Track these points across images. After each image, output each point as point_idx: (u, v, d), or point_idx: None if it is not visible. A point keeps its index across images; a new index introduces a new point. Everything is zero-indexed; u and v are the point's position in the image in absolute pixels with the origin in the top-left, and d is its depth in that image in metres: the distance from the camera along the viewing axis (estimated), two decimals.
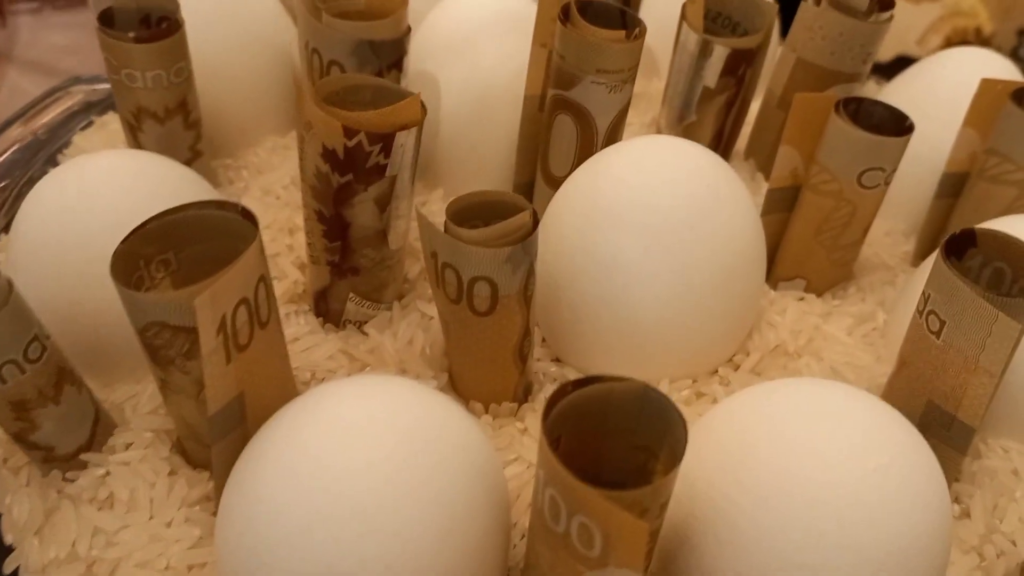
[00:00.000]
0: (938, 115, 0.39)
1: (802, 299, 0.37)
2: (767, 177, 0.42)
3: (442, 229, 0.26)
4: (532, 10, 0.34)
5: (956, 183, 0.38)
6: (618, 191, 0.30)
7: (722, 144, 0.41)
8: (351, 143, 0.27)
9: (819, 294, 0.37)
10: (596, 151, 0.35)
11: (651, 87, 0.49)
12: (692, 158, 0.31)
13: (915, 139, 0.33)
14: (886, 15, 0.37)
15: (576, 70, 0.33)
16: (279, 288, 0.34)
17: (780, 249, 0.37)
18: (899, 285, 0.37)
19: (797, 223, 0.36)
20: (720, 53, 0.38)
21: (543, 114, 0.36)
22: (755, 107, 0.43)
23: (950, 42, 0.62)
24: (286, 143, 0.42)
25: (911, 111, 0.33)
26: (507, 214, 0.26)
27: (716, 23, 0.40)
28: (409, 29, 0.35)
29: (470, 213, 0.27)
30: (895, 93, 0.42)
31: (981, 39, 0.63)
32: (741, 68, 0.38)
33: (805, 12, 0.38)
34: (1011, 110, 0.34)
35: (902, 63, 0.48)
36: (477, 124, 0.38)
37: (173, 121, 0.36)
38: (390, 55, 0.34)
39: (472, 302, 0.27)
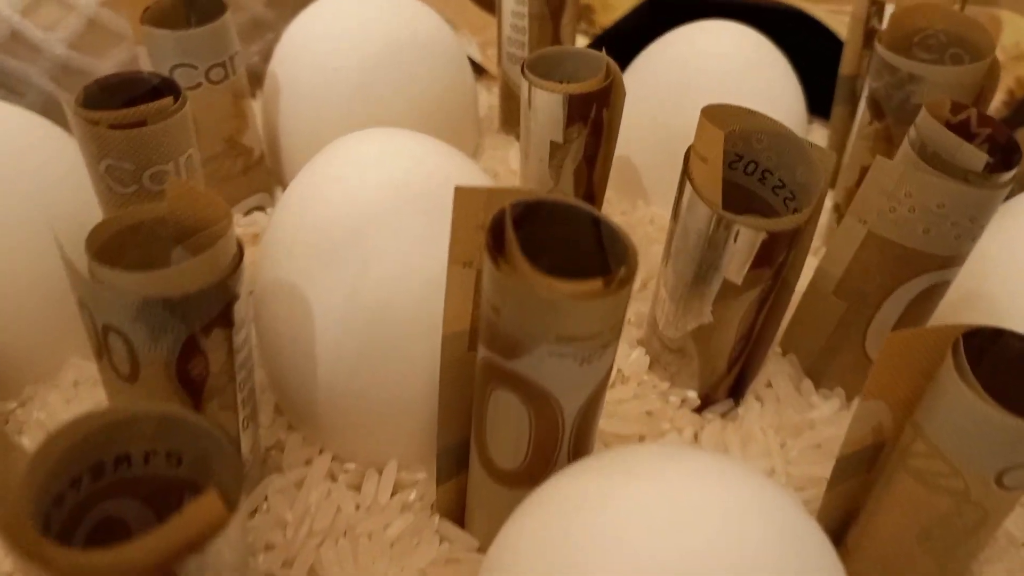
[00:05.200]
0: None
1: None
2: (817, 383, 0.29)
3: None
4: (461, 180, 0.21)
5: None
6: None
7: (749, 346, 0.28)
8: None
9: None
10: (562, 445, 0.21)
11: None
12: None
13: None
14: (1008, 174, 0.24)
15: (521, 334, 0.19)
16: None
17: (858, 540, 0.24)
18: None
19: (889, 516, 0.23)
20: (749, 239, 0.24)
21: (476, 374, 0.22)
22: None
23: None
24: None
25: None
26: None
27: (735, 169, 0.27)
28: (240, 255, 0.21)
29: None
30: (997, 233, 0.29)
31: None
32: (781, 256, 0.25)
33: (881, 172, 0.24)
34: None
35: None
36: (370, 361, 0.24)
37: None
38: (207, 310, 0.20)
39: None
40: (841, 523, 0.25)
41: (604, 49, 0.30)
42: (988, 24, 0.52)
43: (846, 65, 0.37)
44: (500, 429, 0.22)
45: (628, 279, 0.19)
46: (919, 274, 0.26)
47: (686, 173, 0.25)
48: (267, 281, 0.25)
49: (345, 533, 0.24)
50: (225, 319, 0.21)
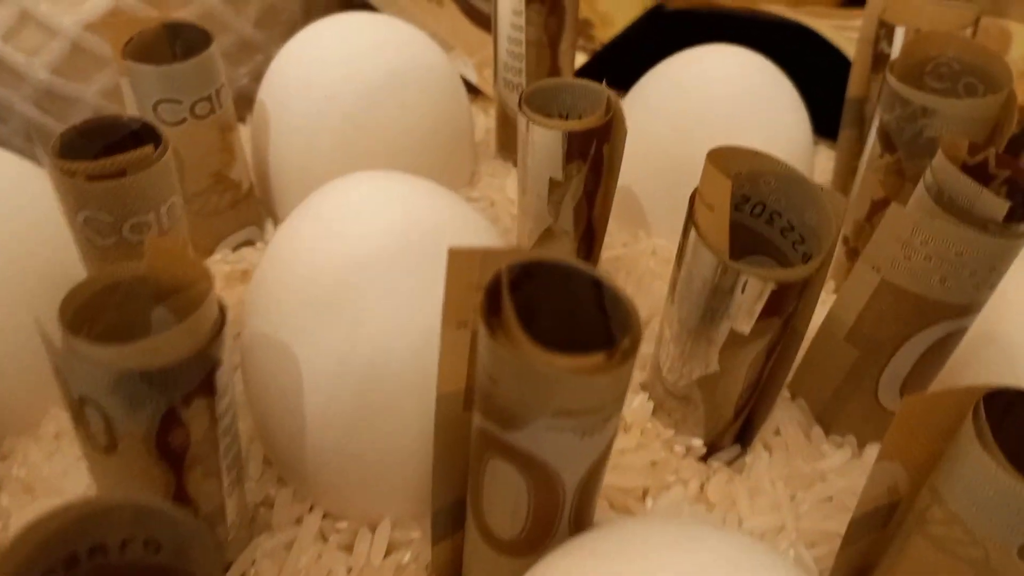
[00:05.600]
0: None
1: None
2: (828, 430, 0.28)
3: None
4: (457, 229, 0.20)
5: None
6: None
7: (756, 393, 0.27)
8: None
9: None
10: (562, 515, 0.20)
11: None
12: None
13: None
14: None
15: (519, 407, 0.18)
16: None
17: None
18: None
19: None
20: (757, 289, 0.23)
21: (472, 442, 0.21)
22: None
23: None
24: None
25: None
26: None
27: (742, 211, 0.26)
28: (223, 318, 0.20)
29: None
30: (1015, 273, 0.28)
31: None
32: (791, 305, 0.24)
33: (896, 220, 0.23)
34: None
35: None
36: (363, 418, 0.23)
37: None
38: (187, 380, 0.19)
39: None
40: None
41: (602, 66, 0.29)
42: (998, 37, 0.50)
43: (853, 88, 0.36)
44: (497, 499, 0.21)
45: (632, 351, 0.18)
46: (935, 323, 0.25)
47: (691, 218, 0.24)
48: (256, 328, 0.24)
49: None
50: (207, 388, 0.20)
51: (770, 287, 0.23)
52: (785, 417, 0.28)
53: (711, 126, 0.33)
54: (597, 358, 0.18)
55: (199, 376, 0.19)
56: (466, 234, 0.24)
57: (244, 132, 0.37)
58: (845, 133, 0.37)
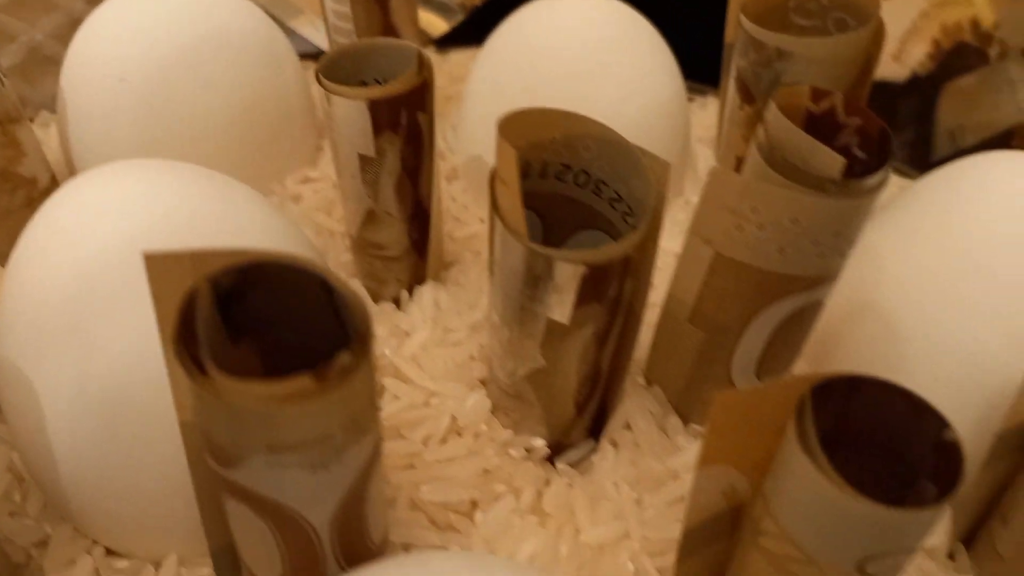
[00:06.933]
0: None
1: None
2: (685, 419, 0.25)
3: None
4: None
5: (1019, 440, 0.21)
6: None
7: (600, 385, 0.24)
8: None
9: None
10: (325, 558, 0.17)
11: None
12: None
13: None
14: (874, 179, 0.20)
15: (229, 443, 0.15)
16: None
17: None
18: None
19: None
20: (568, 274, 0.20)
21: (210, 482, 0.18)
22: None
23: (940, 48, 0.44)
24: None
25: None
26: None
27: (565, 181, 0.22)
28: None
29: None
30: (895, 241, 0.25)
31: (980, 35, 0.45)
32: (611, 287, 0.21)
33: (720, 185, 0.20)
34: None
35: (876, 93, 0.29)
36: (115, 451, 0.20)
37: None
38: None
39: None
40: None
41: (475, 27, 0.25)
42: None
43: (730, 32, 0.33)
44: (247, 545, 0.18)
45: (355, 367, 0.15)
46: (781, 298, 0.22)
47: (493, 202, 0.21)
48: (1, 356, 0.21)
49: None
50: None
51: (581, 271, 0.20)
52: (638, 408, 0.25)
53: (565, 81, 0.30)
54: (303, 381, 0.14)
55: None
56: (239, 233, 0.21)
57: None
58: (724, 83, 0.34)
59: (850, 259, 0.27)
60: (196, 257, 0.16)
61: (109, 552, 0.22)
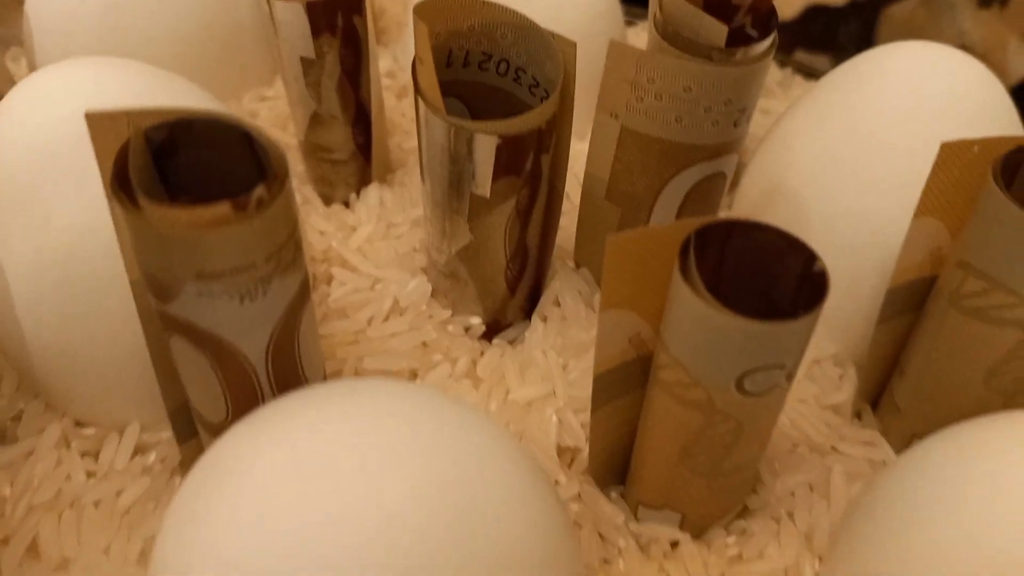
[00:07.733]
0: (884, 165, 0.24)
1: (675, 545, 0.22)
2: None
3: None
4: None
5: (908, 297, 0.23)
6: None
7: (529, 263, 0.25)
8: None
9: (697, 534, 0.22)
10: (263, 395, 0.19)
11: None
12: None
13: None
14: (762, 45, 0.21)
15: (162, 274, 0.17)
16: None
17: (635, 466, 0.22)
18: (837, 486, 0.23)
19: (653, 438, 0.22)
20: (485, 146, 0.22)
21: (156, 325, 0.20)
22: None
23: None
24: None
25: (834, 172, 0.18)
26: None
27: (487, 70, 0.24)
28: None
29: None
30: (805, 127, 0.27)
31: None
32: (527, 160, 0.22)
33: (619, 58, 0.22)
34: (994, 198, 0.19)
35: (816, 16, 0.30)
36: (74, 320, 0.22)
37: None
38: None
39: None
40: (621, 447, 0.24)
41: None
42: None
43: None
44: (191, 380, 0.20)
45: (271, 199, 0.17)
46: (685, 167, 0.23)
47: (416, 86, 0.23)
48: None
49: (72, 504, 0.22)
50: None
51: (495, 142, 0.22)
52: (568, 287, 0.27)
53: None
54: (222, 208, 0.16)
55: None
56: None
57: None
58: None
59: (766, 146, 0.29)
60: (132, 115, 0.18)
61: (78, 423, 0.24)
